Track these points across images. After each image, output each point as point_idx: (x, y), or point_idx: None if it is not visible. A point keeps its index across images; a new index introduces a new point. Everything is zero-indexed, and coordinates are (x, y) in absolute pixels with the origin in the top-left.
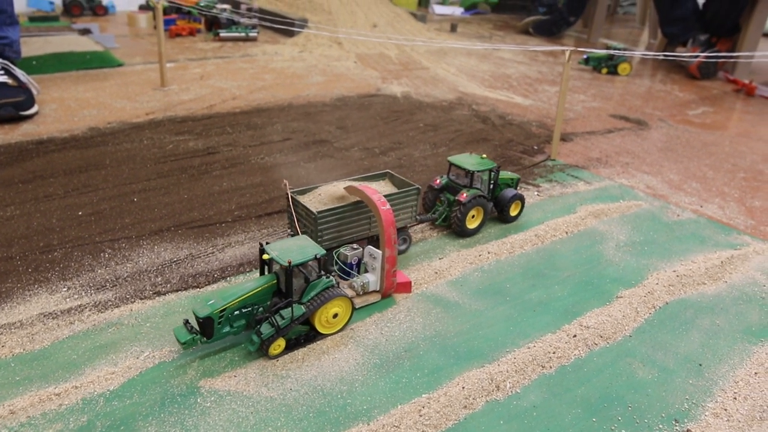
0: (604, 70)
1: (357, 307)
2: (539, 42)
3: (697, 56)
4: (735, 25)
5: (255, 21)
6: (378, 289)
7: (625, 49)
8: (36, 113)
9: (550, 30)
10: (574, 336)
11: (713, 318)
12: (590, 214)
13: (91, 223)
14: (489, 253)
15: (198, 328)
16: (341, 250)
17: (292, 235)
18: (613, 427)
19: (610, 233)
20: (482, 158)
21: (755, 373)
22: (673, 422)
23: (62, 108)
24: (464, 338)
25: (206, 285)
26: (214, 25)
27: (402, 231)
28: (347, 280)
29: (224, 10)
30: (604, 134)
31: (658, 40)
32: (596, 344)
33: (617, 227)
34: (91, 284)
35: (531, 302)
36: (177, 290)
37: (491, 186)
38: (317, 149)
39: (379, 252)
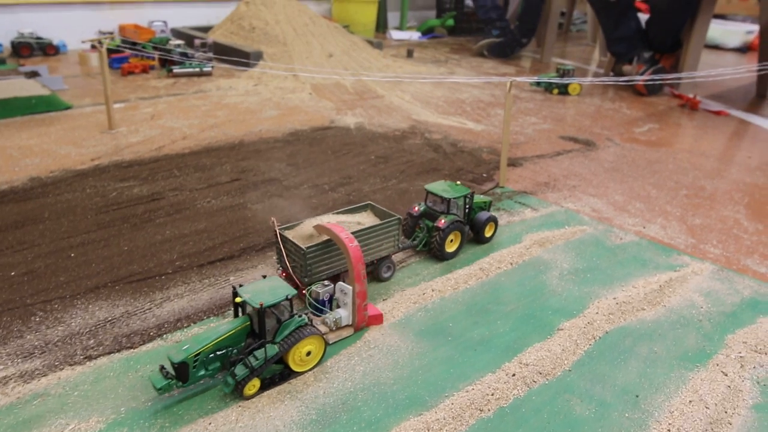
0: (555, 91)
1: (330, 342)
2: (494, 64)
3: (651, 79)
4: (677, 41)
5: (210, 55)
6: (351, 323)
7: (570, 70)
8: None
9: (504, 52)
10: (513, 375)
11: (651, 345)
12: (535, 243)
13: (23, 284)
14: (433, 290)
15: (174, 373)
16: (312, 287)
17: (281, 270)
18: None
19: (554, 262)
20: (456, 185)
21: (690, 401)
22: None
23: (3, 157)
24: (403, 385)
25: (141, 345)
26: (167, 61)
27: (386, 259)
28: (320, 316)
29: (178, 45)
30: (553, 157)
31: (609, 57)
32: (535, 382)
33: (562, 255)
34: (18, 352)
35: (472, 341)
36: (110, 353)
37: (467, 210)
38: (266, 189)
39: (350, 287)
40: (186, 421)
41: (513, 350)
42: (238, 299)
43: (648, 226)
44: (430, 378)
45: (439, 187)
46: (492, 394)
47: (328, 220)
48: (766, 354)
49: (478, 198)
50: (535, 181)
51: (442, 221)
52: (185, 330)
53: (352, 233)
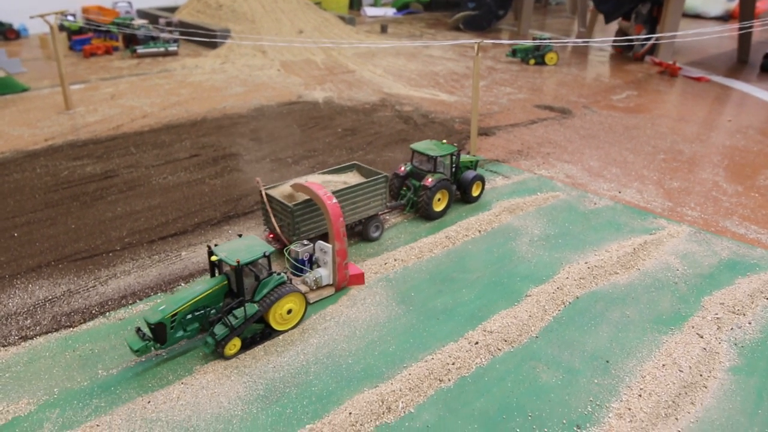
0: (532, 61)
1: (311, 302)
2: (470, 38)
3: (648, 39)
4: None
5: (176, 35)
6: (332, 283)
7: (551, 39)
8: None
9: (480, 25)
10: (477, 343)
11: (624, 309)
12: (505, 210)
13: None
14: (395, 260)
15: (150, 335)
16: (291, 246)
17: (269, 232)
18: None
19: (524, 228)
20: (443, 143)
21: (663, 365)
22: (575, 428)
23: None
24: (359, 356)
25: (81, 323)
26: (132, 41)
27: (374, 218)
28: (300, 276)
29: (142, 25)
30: (528, 125)
31: (587, 28)
32: (500, 350)
33: (533, 221)
34: None
35: (435, 310)
36: (47, 332)
37: (453, 169)
38: (226, 164)
39: (329, 246)
40: (123, 400)
41: (477, 318)
42: (213, 258)
43: (624, 190)
44: (388, 349)
45: (425, 145)
46: (453, 364)
47: (313, 179)
48: (744, 315)
49: (465, 157)
50: (507, 150)
51: (429, 180)
52: (130, 307)
53: (338, 191)
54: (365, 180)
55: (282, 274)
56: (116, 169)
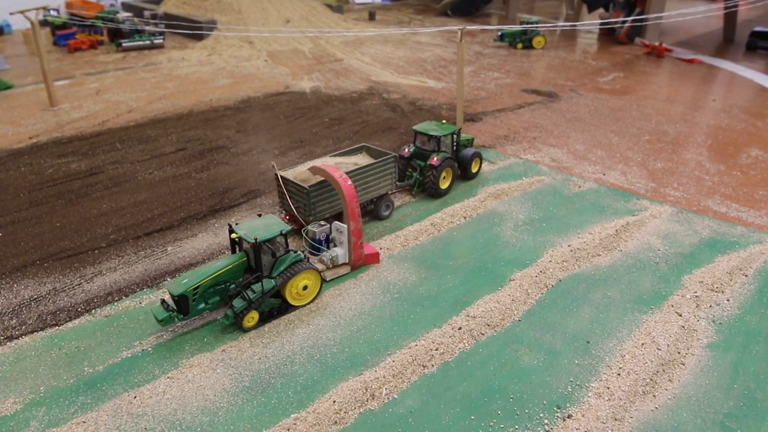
0: (519, 45)
1: (328, 279)
2: (458, 23)
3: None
4: None
5: (161, 27)
6: (347, 261)
7: (537, 23)
8: None
9: (467, 10)
10: (460, 328)
11: (605, 290)
12: (490, 196)
13: None
14: (381, 248)
15: (175, 306)
16: (309, 227)
17: (283, 212)
18: (491, 423)
19: (509, 213)
20: (443, 123)
21: (642, 344)
22: (555, 408)
23: None
24: (344, 345)
25: (67, 321)
26: (117, 35)
27: (384, 198)
28: (318, 255)
29: (126, 18)
30: (515, 110)
31: (575, 10)
32: (483, 334)
33: (517, 206)
34: None
35: (419, 297)
36: (33, 331)
37: (454, 148)
38: (212, 157)
39: (345, 226)
40: (110, 396)
41: (462, 304)
42: (233, 235)
43: (608, 172)
44: (373, 337)
45: (428, 126)
46: (436, 349)
47: (324, 162)
48: (722, 292)
49: (462, 135)
50: (494, 135)
51: (435, 159)
52: (116, 304)
53: (350, 172)
54: (375, 161)
55: (299, 252)
56: (101, 166)
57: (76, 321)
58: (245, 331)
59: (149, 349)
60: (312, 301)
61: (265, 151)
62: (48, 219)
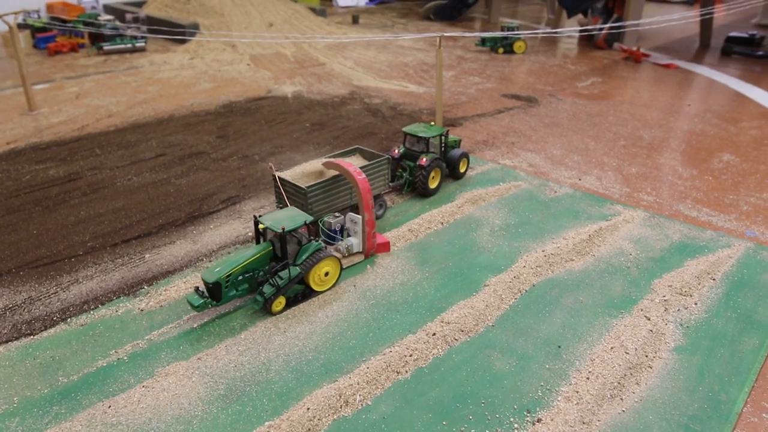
0: (500, 50)
1: (344, 267)
2: (441, 27)
3: (612, 27)
4: None
5: (143, 30)
6: (361, 250)
7: (515, 28)
8: None
9: (450, 14)
10: (434, 334)
11: (578, 295)
12: (468, 201)
13: None
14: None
15: (208, 294)
16: (325, 218)
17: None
18: (462, 428)
19: (486, 219)
20: (431, 125)
21: (611, 348)
22: (525, 413)
23: None
24: (320, 352)
25: (42, 331)
26: (98, 38)
27: (378, 198)
28: (333, 244)
29: (108, 21)
30: (494, 115)
31: (555, 14)
32: (456, 340)
33: (494, 211)
34: None
35: (395, 303)
36: (7, 341)
37: (443, 148)
38: (192, 163)
39: (359, 217)
40: (84, 406)
41: (436, 310)
42: (260, 226)
43: (584, 177)
44: (348, 343)
45: (417, 128)
46: (410, 356)
47: (320, 162)
48: (690, 296)
49: (449, 137)
50: (473, 140)
51: (424, 159)
52: (92, 312)
53: None
54: (369, 162)
55: (319, 241)
56: (80, 172)
57: (52, 330)
58: (273, 314)
59: (125, 357)
60: (332, 287)
61: (245, 156)
62: (25, 227)
